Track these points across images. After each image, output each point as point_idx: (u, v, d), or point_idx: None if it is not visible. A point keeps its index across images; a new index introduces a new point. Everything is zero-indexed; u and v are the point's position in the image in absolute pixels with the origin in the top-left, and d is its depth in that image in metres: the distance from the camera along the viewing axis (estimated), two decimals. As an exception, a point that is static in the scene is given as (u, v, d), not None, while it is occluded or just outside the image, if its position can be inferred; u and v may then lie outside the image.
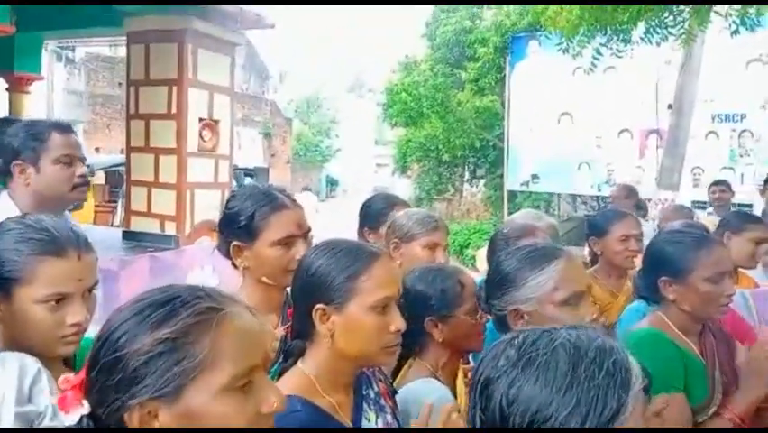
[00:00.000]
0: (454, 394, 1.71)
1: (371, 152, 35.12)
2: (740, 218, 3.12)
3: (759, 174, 8.29)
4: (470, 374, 1.96)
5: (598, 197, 11.72)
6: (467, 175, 16.66)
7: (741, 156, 9.42)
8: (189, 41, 7.31)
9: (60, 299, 1.27)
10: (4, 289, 1.25)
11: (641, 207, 5.46)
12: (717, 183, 5.78)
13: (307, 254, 1.40)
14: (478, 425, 0.91)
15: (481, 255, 1.98)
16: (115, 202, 14.27)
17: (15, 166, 2.02)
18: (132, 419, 0.83)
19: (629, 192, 5.44)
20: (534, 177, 11.89)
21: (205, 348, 0.84)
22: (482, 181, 16.06)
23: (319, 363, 1.34)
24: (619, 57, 5.75)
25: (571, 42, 5.48)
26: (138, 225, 7.81)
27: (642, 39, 5.48)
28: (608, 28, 5.26)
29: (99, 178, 14.65)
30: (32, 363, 1.20)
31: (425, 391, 1.56)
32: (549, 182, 11.78)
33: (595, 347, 0.87)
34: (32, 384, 1.18)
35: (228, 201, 1.82)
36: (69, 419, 0.86)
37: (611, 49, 5.68)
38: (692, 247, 1.79)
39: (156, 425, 0.83)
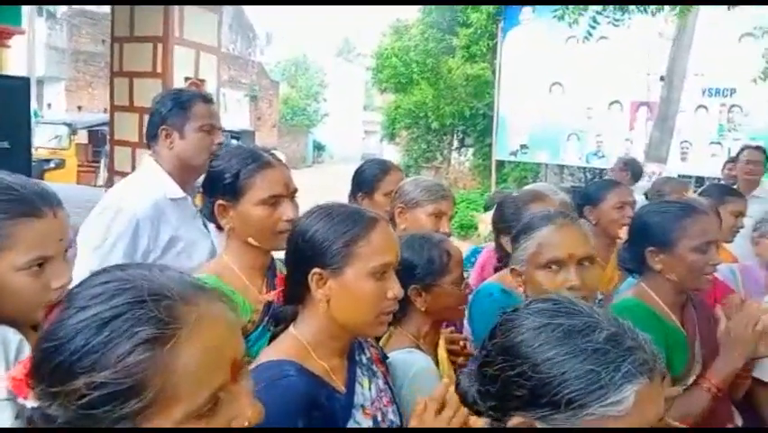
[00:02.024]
0: (436, 363, 1.72)
1: (360, 118, 34.85)
2: (721, 191, 3.13)
3: (745, 149, 8.32)
4: (455, 341, 1.97)
5: (585, 168, 11.74)
6: (456, 143, 16.59)
7: (729, 131, 9.44)
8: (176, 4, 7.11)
9: (42, 263, 1.18)
10: None
11: (635, 175, 5.48)
12: (732, 160, 5.58)
13: (303, 218, 1.37)
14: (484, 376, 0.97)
15: (485, 219, 2.02)
16: (98, 162, 14.07)
17: (162, 130, 2.15)
18: None
19: (625, 164, 5.47)
20: (523, 147, 11.86)
21: (154, 385, 0.70)
22: (471, 150, 16.00)
23: (313, 329, 1.32)
24: (616, 26, 5.68)
25: (567, 9, 5.39)
26: (122, 185, 7.71)
27: (637, 8, 5.41)
28: (605, -4, 5.18)
29: (82, 137, 14.40)
30: (14, 335, 1.15)
31: (407, 362, 1.56)
32: (537, 152, 11.76)
33: (606, 327, 0.89)
34: (16, 356, 1.13)
35: (212, 160, 1.79)
36: (30, 403, 0.76)
37: (608, 17, 5.60)
38: (679, 217, 1.80)
39: None
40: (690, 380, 1.76)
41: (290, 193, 1.72)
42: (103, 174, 12.80)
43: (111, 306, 0.72)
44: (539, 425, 0.89)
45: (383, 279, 1.29)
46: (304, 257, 1.31)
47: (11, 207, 1.16)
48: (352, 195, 2.60)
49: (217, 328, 0.76)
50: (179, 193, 2.16)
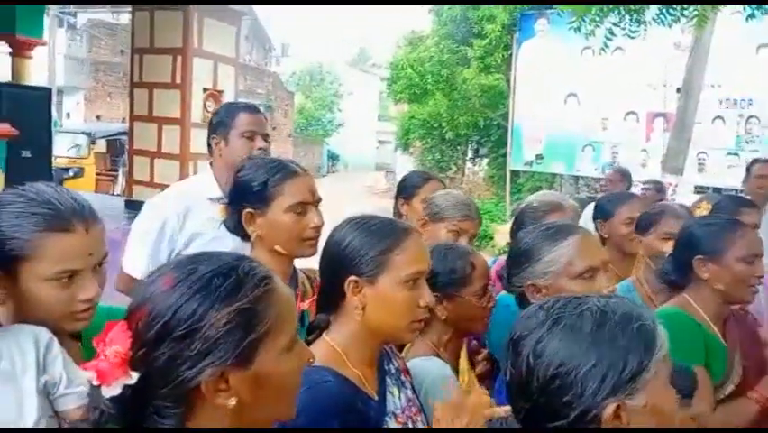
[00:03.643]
0: (456, 372, 1.72)
1: (374, 128, 34.93)
2: (735, 202, 3.10)
3: (764, 161, 8.24)
4: (476, 357, 1.98)
5: (601, 179, 11.68)
6: (470, 154, 16.60)
7: (747, 142, 9.36)
8: (195, 9, 7.24)
9: (71, 275, 1.21)
10: (7, 267, 1.18)
11: (660, 190, 5.44)
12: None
13: (339, 228, 1.40)
14: (508, 378, 1.00)
15: (502, 230, 1.96)
16: (116, 171, 14.26)
17: (213, 139, 2.36)
18: (206, 387, 0.87)
19: (623, 176, 5.44)
20: (539, 157, 11.84)
21: (272, 315, 0.90)
22: (485, 160, 16.01)
23: (347, 336, 1.36)
24: (632, 37, 5.66)
25: (584, 21, 5.40)
26: (140, 194, 7.81)
27: (654, 19, 5.41)
28: (622, 8, 5.18)
29: (100, 146, 14.61)
30: (45, 333, 1.19)
31: (425, 369, 1.58)
32: (553, 163, 11.73)
33: (622, 312, 0.94)
34: (45, 353, 1.17)
35: (238, 171, 1.82)
36: (110, 391, 0.86)
37: (624, 29, 5.59)
38: (728, 228, 1.87)
39: (224, 388, 0.88)
40: (728, 390, 1.80)
41: (315, 201, 1.76)
42: (121, 183, 12.96)
43: (222, 263, 0.91)
44: (629, 402, 0.91)
45: (416, 287, 1.34)
46: (340, 265, 1.35)
47: (44, 220, 1.19)
48: (395, 199, 2.78)
49: (286, 287, 0.98)
50: (218, 193, 2.28)
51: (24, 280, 1.19)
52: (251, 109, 2.41)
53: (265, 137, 2.37)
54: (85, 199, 1.30)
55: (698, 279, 1.86)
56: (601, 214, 2.76)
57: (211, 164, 2.40)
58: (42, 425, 1.14)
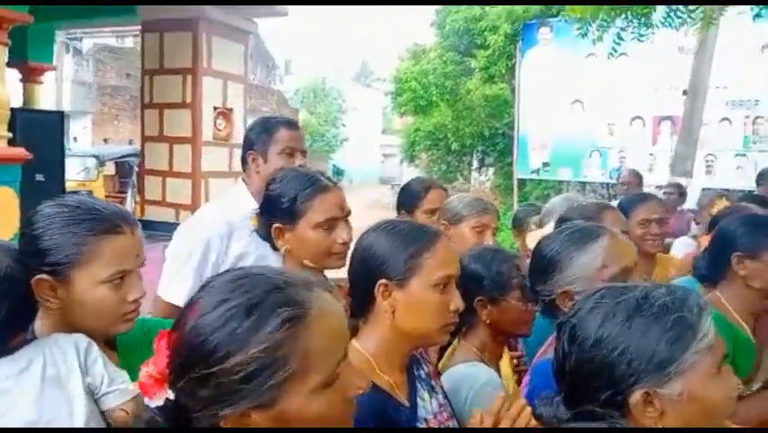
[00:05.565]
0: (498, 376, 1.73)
1: (378, 142, 35.02)
2: (751, 201, 3.11)
3: (773, 161, 8.24)
4: (513, 361, 1.98)
5: (608, 184, 11.67)
6: (476, 164, 16.62)
7: (754, 143, 9.35)
8: (203, 30, 7.33)
9: (122, 276, 1.26)
10: (61, 274, 1.22)
11: (682, 194, 5.48)
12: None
13: (368, 233, 1.41)
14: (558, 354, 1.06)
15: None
16: (125, 192, 14.30)
17: (249, 155, 2.27)
18: (227, 423, 0.84)
19: (638, 177, 5.48)
20: (545, 165, 11.84)
21: (296, 356, 0.83)
22: (491, 170, 16.02)
23: (377, 342, 1.35)
24: (641, 41, 5.68)
25: (591, 26, 5.44)
26: (152, 214, 7.86)
27: (662, 23, 5.44)
28: (630, 12, 5.21)
29: (109, 168, 14.68)
30: (83, 338, 1.23)
31: (472, 375, 1.58)
32: (560, 170, 11.72)
33: (662, 303, 0.97)
34: (86, 356, 1.21)
35: (269, 184, 1.83)
36: (153, 402, 0.87)
37: (632, 33, 5.62)
38: (766, 226, 1.87)
39: (248, 423, 0.84)
40: (755, 387, 1.80)
41: (345, 215, 1.76)
42: (130, 204, 13.01)
43: (251, 296, 0.84)
44: (660, 390, 0.94)
45: (446, 291, 1.33)
46: (370, 270, 1.35)
47: (95, 225, 1.25)
48: (397, 212, 2.66)
49: (335, 312, 0.90)
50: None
51: (79, 286, 1.23)
52: (291, 125, 2.34)
53: (304, 153, 2.32)
54: (120, 206, 1.37)
55: (733, 275, 1.87)
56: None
57: (244, 180, 2.31)
58: (92, 425, 1.18)
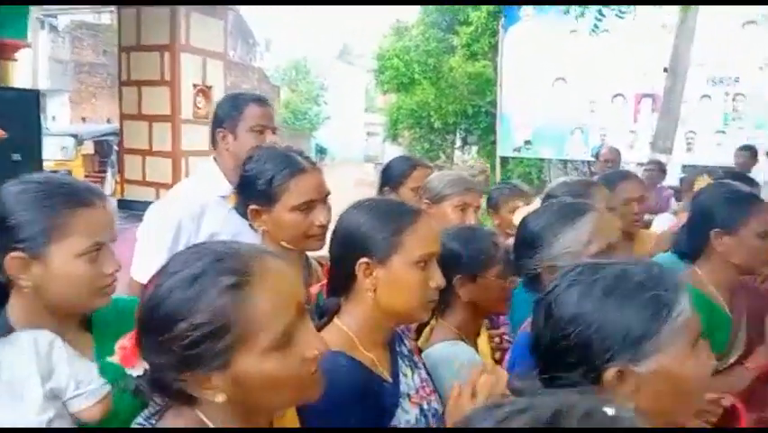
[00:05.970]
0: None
1: (361, 120, 34.81)
2: (733, 177, 3.13)
3: (750, 138, 8.32)
4: (495, 339, 1.99)
5: (589, 162, 11.74)
6: (458, 142, 16.60)
7: (734, 120, 9.44)
8: (182, 5, 7.17)
9: (98, 249, 1.24)
10: (35, 250, 1.20)
11: (663, 171, 5.51)
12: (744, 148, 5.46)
13: (348, 211, 1.40)
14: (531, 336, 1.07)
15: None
16: (105, 172, 14.14)
17: (219, 132, 2.23)
18: (192, 388, 0.90)
19: (618, 154, 5.50)
20: (527, 143, 11.86)
21: (241, 320, 0.88)
22: (474, 148, 16.03)
23: (359, 320, 1.35)
24: (621, 17, 5.67)
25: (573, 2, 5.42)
26: (132, 193, 7.77)
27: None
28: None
29: (88, 147, 14.47)
30: (43, 337, 1.19)
31: (453, 354, 1.59)
32: (542, 148, 11.76)
33: (638, 280, 0.97)
34: (46, 360, 1.17)
35: (245, 163, 1.80)
36: (135, 371, 0.93)
37: (614, 9, 5.60)
38: (746, 202, 1.86)
39: (209, 386, 0.90)
40: (730, 360, 1.81)
41: (323, 197, 1.73)
42: (110, 183, 12.87)
43: (197, 266, 0.90)
44: (634, 368, 0.94)
45: (427, 268, 1.33)
46: (351, 248, 1.34)
47: (69, 198, 1.23)
48: (380, 189, 2.64)
49: (280, 276, 0.94)
50: (228, 189, 2.19)
51: (56, 261, 1.21)
52: (261, 101, 2.30)
53: (274, 130, 2.28)
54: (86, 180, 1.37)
55: (710, 251, 1.87)
56: None
57: (215, 159, 2.28)
58: (55, 425, 1.15)
